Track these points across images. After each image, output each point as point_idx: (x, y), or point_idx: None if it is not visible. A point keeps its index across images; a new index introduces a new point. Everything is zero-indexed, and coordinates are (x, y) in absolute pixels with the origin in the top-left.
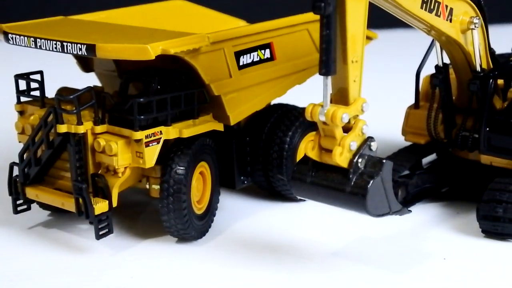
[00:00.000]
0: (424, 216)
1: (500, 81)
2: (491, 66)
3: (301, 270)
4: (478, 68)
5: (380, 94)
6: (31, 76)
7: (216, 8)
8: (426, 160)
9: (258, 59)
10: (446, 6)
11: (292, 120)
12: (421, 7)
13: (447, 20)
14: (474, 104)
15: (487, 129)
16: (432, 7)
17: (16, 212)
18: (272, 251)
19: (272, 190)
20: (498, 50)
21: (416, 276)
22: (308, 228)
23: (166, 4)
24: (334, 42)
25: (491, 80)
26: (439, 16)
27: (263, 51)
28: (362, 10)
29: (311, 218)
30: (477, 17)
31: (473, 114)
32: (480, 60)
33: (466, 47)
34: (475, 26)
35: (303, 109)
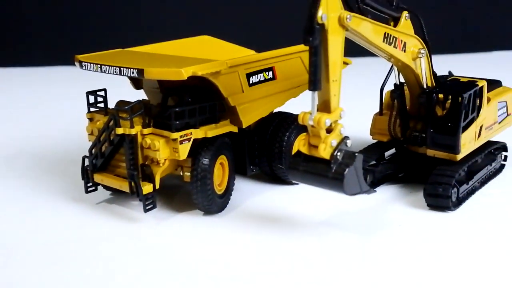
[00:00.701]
0: (386, 194)
1: (441, 95)
2: (434, 84)
3: (295, 235)
4: (425, 86)
5: (355, 104)
6: (98, 92)
7: (233, 41)
8: (388, 153)
9: (264, 78)
10: (401, 41)
11: (289, 123)
12: (383, 41)
13: (402, 50)
14: (422, 112)
15: (432, 130)
16: (391, 41)
17: (87, 192)
18: (273, 221)
19: (274, 176)
20: (439, 72)
21: (379, 238)
22: (301, 204)
23: (196, 39)
24: (319, 66)
25: (434, 95)
26: (396, 48)
27: (267, 72)
28: (339, 43)
29: (303, 197)
30: (423, 49)
31: (422, 119)
32: (426, 80)
33: (416, 70)
34: (422, 55)
35: (297, 115)
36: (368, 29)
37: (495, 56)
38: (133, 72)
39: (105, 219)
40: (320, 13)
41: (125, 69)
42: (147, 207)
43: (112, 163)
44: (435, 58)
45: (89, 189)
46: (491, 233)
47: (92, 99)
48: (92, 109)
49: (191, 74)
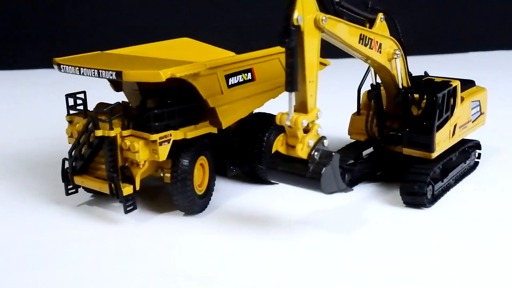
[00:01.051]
0: (364, 193)
1: (416, 95)
2: (410, 84)
3: (275, 234)
4: (401, 86)
5: (332, 105)
6: (77, 95)
7: (212, 43)
8: (365, 152)
9: (243, 80)
10: (377, 42)
11: (268, 124)
12: (359, 42)
13: (377, 51)
14: (399, 111)
15: (408, 129)
16: (366, 43)
17: (67, 194)
18: (253, 221)
19: (254, 176)
20: (414, 73)
21: (357, 236)
22: (280, 203)
23: (176, 41)
24: (296, 68)
25: (409, 95)
26: (372, 49)
27: (246, 74)
28: (316, 44)
29: (282, 196)
30: (399, 50)
31: (398, 118)
32: (402, 80)
33: (392, 71)
34: (397, 56)
35: (275, 116)
36: (344, 31)
37: (470, 57)
38: (111, 75)
39: (86, 221)
40: (295, 15)
41: (103, 71)
42: (128, 209)
43: (92, 165)
44: (412, 59)
45: (69, 191)
46: (465, 229)
47: (71, 101)
48: (71, 112)
49: (169, 76)
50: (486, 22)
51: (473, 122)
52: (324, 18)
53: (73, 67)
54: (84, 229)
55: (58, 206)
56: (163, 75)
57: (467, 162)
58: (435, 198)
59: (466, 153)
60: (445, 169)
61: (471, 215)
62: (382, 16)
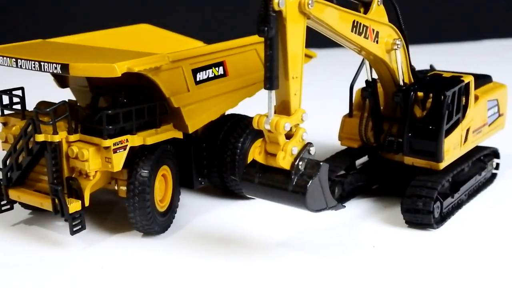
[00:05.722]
0: (357, 210)
1: (420, 94)
2: (412, 80)
3: (250, 259)
4: (401, 82)
5: (320, 105)
6: (14, 92)
7: (177, 30)
8: (359, 162)
9: (213, 75)
10: (373, 30)
11: (243, 128)
12: (352, 31)
13: (374, 41)
14: (398, 113)
15: (409, 134)
16: (361, 31)
17: (0, 211)
18: (226, 243)
19: (226, 190)
20: (418, 66)
21: (349, 262)
22: (257, 223)
23: (133, 28)
24: (276, 61)
25: (412, 93)
26: (367, 38)
27: (217, 68)
28: (300, 33)
29: (259, 214)
30: (399, 39)
31: (398, 121)
32: (402, 76)
33: (391, 64)
34: (397, 47)
35: (252, 118)
36: (333, 17)
37: (485, 46)
38: (55, 68)
39: (23, 243)
40: None
41: (46, 63)
42: (75, 229)
43: (31, 176)
44: (414, 49)
45: (3, 208)
46: (480, 256)
47: (6, 99)
48: (6, 112)
49: (126, 70)
50: (503, 3)
51: (489, 125)
52: (310, 2)
53: (8, 58)
54: (21, 252)
55: None
56: (119, 69)
57: (483, 173)
58: (443, 217)
59: (481, 162)
60: (456, 182)
61: (488, 238)
62: (380, 0)
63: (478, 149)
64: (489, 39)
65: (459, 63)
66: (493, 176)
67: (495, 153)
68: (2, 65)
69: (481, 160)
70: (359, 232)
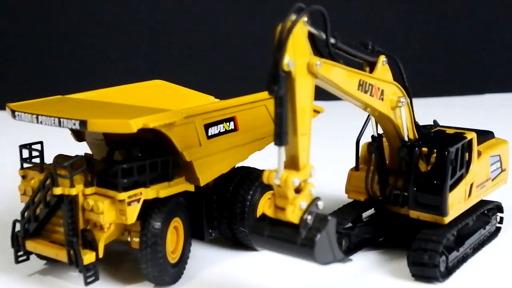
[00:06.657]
0: (364, 262)
1: (424, 149)
2: (417, 136)
3: None
4: (406, 138)
5: (327, 157)
6: (33, 146)
7: (190, 86)
8: (365, 214)
9: (224, 130)
10: (378, 88)
11: (253, 180)
12: (358, 89)
13: (379, 99)
14: (404, 167)
15: (414, 188)
16: (366, 89)
17: (17, 262)
18: None
19: (236, 241)
20: (422, 120)
21: None
22: (266, 274)
23: (147, 84)
24: (285, 118)
25: (416, 148)
26: (373, 96)
27: (228, 123)
28: (309, 91)
29: (269, 266)
30: (403, 97)
31: (403, 175)
32: (407, 131)
33: (396, 121)
34: (402, 104)
35: (262, 171)
36: (340, 76)
37: (487, 99)
38: (74, 124)
39: None
40: (286, 59)
41: (65, 120)
42: (89, 280)
43: (47, 227)
44: (418, 102)
45: (19, 259)
46: None
47: (26, 153)
48: (25, 165)
49: (141, 126)
50: (504, 59)
51: (493, 180)
52: (318, 62)
53: (29, 115)
54: None
55: (5, 276)
56: (134, 125)
57: (487, 227)
58: (449, 271)
59: (485, 217)
60: (461, 236)
61: None
62: (385, 59)
63: (482, 203)
64: (492, 93)
65: (463, 116)
66: (497, 230)
67: (498, 207)
68: (23, 120)
69: (485, 214)
70: (366, 285)
